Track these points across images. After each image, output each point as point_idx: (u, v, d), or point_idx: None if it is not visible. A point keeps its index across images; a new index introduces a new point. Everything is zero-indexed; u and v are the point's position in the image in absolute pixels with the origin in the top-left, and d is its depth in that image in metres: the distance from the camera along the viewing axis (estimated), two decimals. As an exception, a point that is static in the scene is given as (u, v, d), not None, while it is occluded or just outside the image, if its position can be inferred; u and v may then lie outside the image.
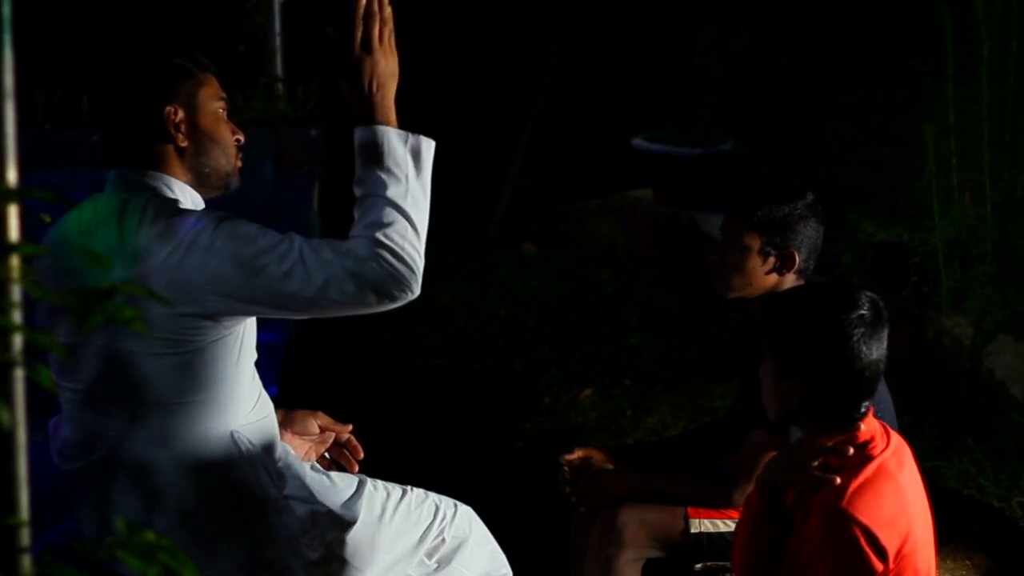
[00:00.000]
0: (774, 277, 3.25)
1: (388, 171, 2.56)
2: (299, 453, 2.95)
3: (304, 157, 6.45)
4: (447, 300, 6.48)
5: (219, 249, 2.53)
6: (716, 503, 3.28)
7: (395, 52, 2.61)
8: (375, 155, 2.56)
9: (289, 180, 6.34)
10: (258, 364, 2.75)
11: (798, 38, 6.71)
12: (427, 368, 5.84)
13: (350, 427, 3.08)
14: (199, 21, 7.37)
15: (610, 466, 3.46)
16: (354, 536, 2.77)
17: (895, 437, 2.64)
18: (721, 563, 3.31)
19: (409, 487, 2.95)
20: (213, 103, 2.73)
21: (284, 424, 2.97)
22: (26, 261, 1.46)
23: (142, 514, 2.64)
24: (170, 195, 2.67)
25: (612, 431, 5.21)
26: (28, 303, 1.49)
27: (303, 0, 7.29)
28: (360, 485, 2.84)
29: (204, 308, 2.54)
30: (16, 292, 1.46)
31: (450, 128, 8.07)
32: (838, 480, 2.53)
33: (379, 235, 2.51)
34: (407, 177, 2.57)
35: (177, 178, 2.70)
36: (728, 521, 3.29)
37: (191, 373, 2.60)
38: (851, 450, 2.55)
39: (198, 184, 2.72)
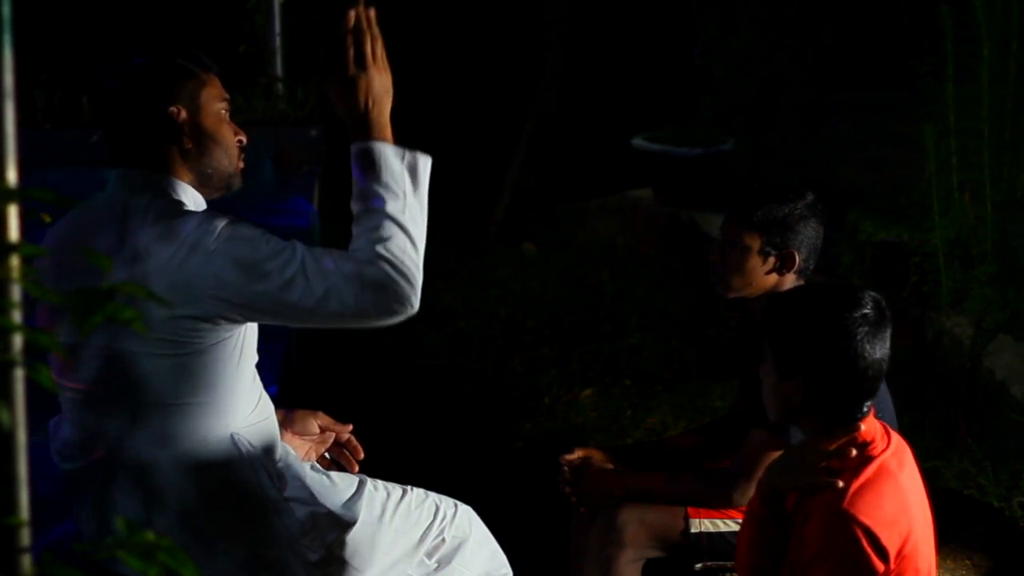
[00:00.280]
0: (774, 277, 3.25)
1: (386, 187, 2.55)
2: (299, 453, 2.95)
3: (304, 157, 6.45)
4: (447, 300, 6.48)
5: (221, 253, 2.52)
6: (716, 503, 3.28)
7: (388, 69, 2.61)
8: (372, 171, 2.56)
9: (289, 180, 6.34)
10: (258, 365, 2.75)
11: (798, 38, 6.72)
12: (427, 368, 5.84)
13: (350, 427, 3.08)
14: (199, 21, 7.37)
15: (610, 466, 3.46)
16: (354, 536, 2.77)
17: (895, 437, 2.64)
18: (721, 563, 3.31)
19: (409, 487, 2.95)
20: (216, 104, 2.73)
21: (284, 424, 2.97)
22: (26, 261, 1.46)
23: (142, 514, 2.64)
24: (172, 196, 2.67)
25: (612, 431, 5.21)
26: (28, 303, 1.49)
27: (303, 0, 7.29)
28: (360, 485, 2.84)
29: (204, 311, 2.54)
30: (16, 292, 1.46)
31: (450, 128, 8.09)
32: (840, 484, 2.53)
33: (380, 248, 2.51)
34: (405, 193, 2.56)
35: (179, 179, 2.70)
36: (728, 521, 3.29)
37: (191, 375, 2.60)
38: (854, 452, 2.55)
39: (200, 185, 2.72)
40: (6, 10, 1.44)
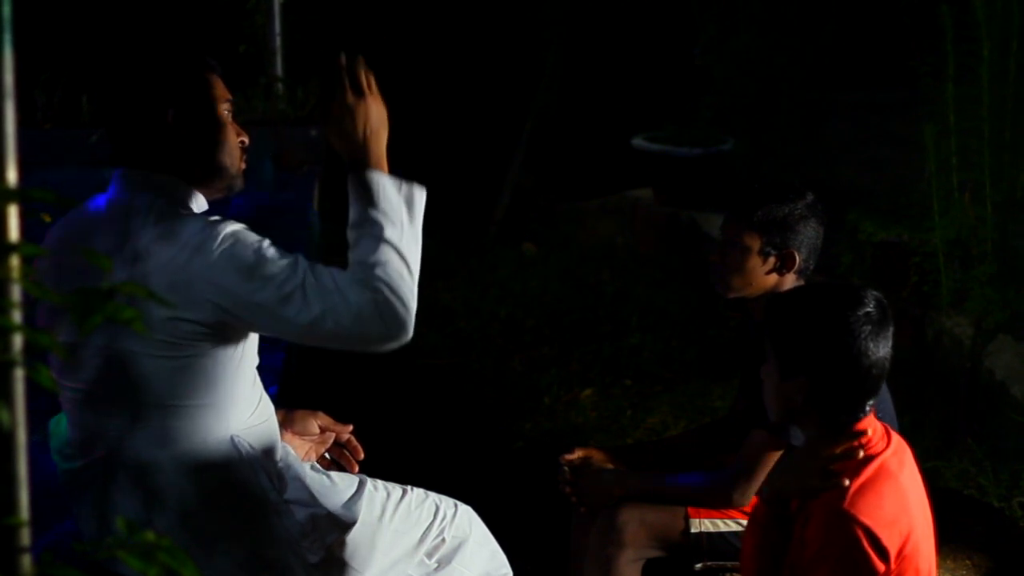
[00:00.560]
0: (774, 277, 3.25)
1: (384, 214, 2.56)
2: (299, 453, 2.95)
3: (304, 157, 6.45)
4: (447, 300, 6.48)
5: (223, 260, 2.52)
6: (716, 503, 3.28)
7: (383, 102, 2.63)
8: (370, 199, 2.57)
9: (289, 180, 6.34)
10: (259, 365, 2.75)
11: (798, 38, 6.72)
12: (427, 368, 5.84)
13: (350, 427, 3.08)
14: (199, 21, 7.37)
15: (610, 466, 3.46)
16: (354, 537, 2.77)
17: (895, 437, 2.64)
18: (721, 563, 3.31)
19: (409, 487, 2.95)
20: (218, 105, 2.72)
21: (284, 424, 2.97)
22: (26, 261, 1.46)
23: (142, 514, 2.64)
24: (174, 196, 2.67)
25: (612, 431, 5.21)
26: (28, 303, 1.49)
27: (303, 0, 7.29)
28: (360, 485, 2.84)
29: (203, 316, 2.54)
30: (16, 292, 1.46)
31: (451, 128, 8.10)
32: (846, 482, 2.53)
33: (378, 272, 2.51)
34: (402, 222, 2.57)
35: (181, 179, 2.69)
36: (728, 521, 3.29)
37: (191, 376, 2.59)
38: (861, 453, 2.55)
39: (202, 185, 2.72)
40: (6, 10, 1.44)
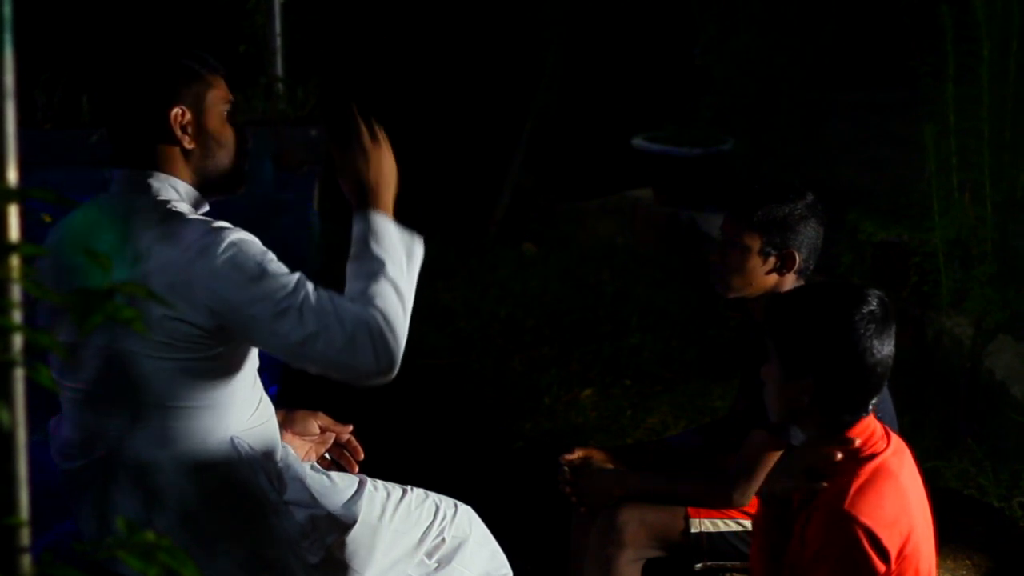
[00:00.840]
0: (774, 277, 3.25)
1: (387, 252, 2.60)
2: (299, 454, 2.95)
3: (304, 157, 6.45)
4: (447, 300, 6.48)
5: (225, 266, 2.52)
6: (716, 503, 3.28)
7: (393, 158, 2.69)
8: (374, 237, 2.61)
9: (289, 180, 6.34)
10: (259, 366, 2.75)
11: (798, 38, 6.72)
12: (427, 368, 5.84)
13: (350, 428, 3.08)
14: (199, 21, 7.37)
15: (610, 466, 3.46)
16: (354, 537, 2.77)
17: (895, 438, 2.64)
18: (721, 563, 3.31)
19: (409, 487, 2.95)
20: (220, 106, 2.73)
21: (284, 424, 2.97)
22: (26, 261, 1.46)
23: (142, 514, 2.64)
24: (175, 197, 2.67)
25: (612, 431, 5.21)
26: (28, 303, 1.49)
27: (303, 0, 7.29)
28: (360, 485, 2.84)
29: (200, 319, 2.54)
30: (16, 292, 1.46)
31: (451, 128, 8.09)
32: (825, 485, 2.53)
33: (377, 302, 2.54)
34: (402, 265, 2.61)
35: (182, 180, 2.70)
36: (728, 521, 3.29)
37: (191, 377, 2.59)
38: (839, 455, 2.55)
39: (203, 186, 2.72)
40: (6, 10, 1.44)
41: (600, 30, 8.25)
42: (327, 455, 3.07)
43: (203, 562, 2.65)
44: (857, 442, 2.55)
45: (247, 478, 2.66)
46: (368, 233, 2.61)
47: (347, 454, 3.07)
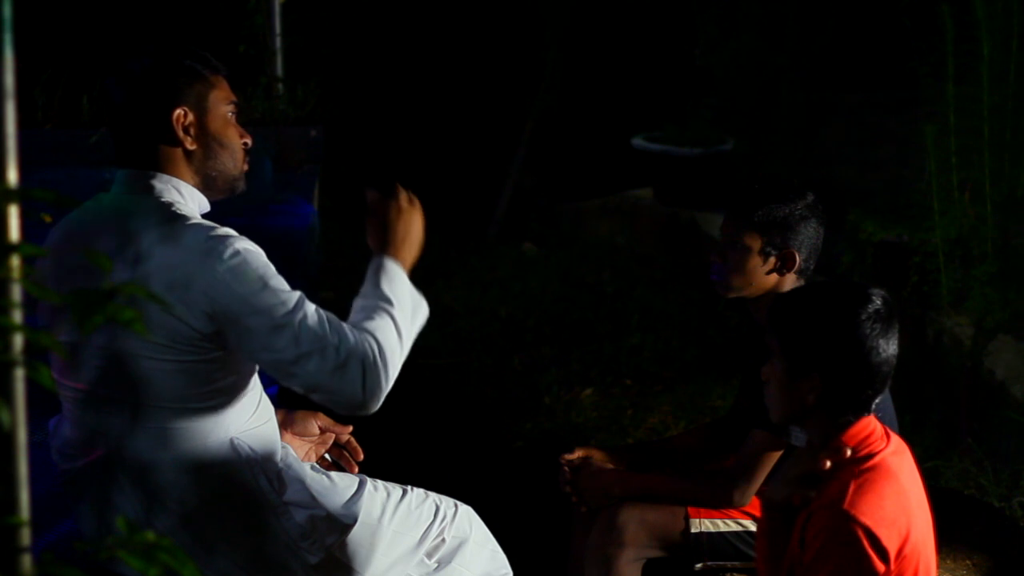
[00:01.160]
0: (774, 277, 3.25)
1: (397, 296, 2.64)
2: (299, 454, 2.95)
3: (304, 157, 6.44)
4: (447, 300, 6.49)
5: (227, 275, 2.52)
6: (717, 503, 3.28)
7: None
8: (387, 282, 2.66)
9: (289, 180, 6.34)
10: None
11: (798, 38, 6.72)
12: (427, 368, 5.84)
13: (350, 428, 3.08)
14: (199, 21, 7.37)
15: (610, 466, 3.46)
16: (354, 537, 2.77)
17: (895, 438, 2.64)
18: (721, 563, 3.31)
19: (409, 487, 2.95)
20: (223, 106, 2.72)
21: (284, 425, 2.97)
22: (26, 261, 1.46)
23: (142, 514, 2.64)
24: (177, 198, 2.66)
25: (612, 431, 5.21)
26: (28, 303, 1.49)
27: (303, 0, 7.29)
28: (360, 486, 2.84)
29: (198, 323, 2.54)
30: (16, 292, 1.46)
31: (451, 128, 8.10)
32: (813, 494, 2.53)
33: (378, 336, 2.56)
34: (409, 313, 2.66)
35: (184, 180, 2.69)
36: (728, 521, 3.29)
37: (190, 378, 2.59)
38: (828, 464, 2.55)
39: (205, 187, 2.72)
40: (6, 10, 1.44)
41: (600, 30, 8.25)
42: (327, 455, 3.07)
43: (203, 562, 2.65)
44: (848, 451, 2.56)
45: (247, 478, 2.66)
46: (382, 275, 2.66)
47: (347, 454, 3.07)
